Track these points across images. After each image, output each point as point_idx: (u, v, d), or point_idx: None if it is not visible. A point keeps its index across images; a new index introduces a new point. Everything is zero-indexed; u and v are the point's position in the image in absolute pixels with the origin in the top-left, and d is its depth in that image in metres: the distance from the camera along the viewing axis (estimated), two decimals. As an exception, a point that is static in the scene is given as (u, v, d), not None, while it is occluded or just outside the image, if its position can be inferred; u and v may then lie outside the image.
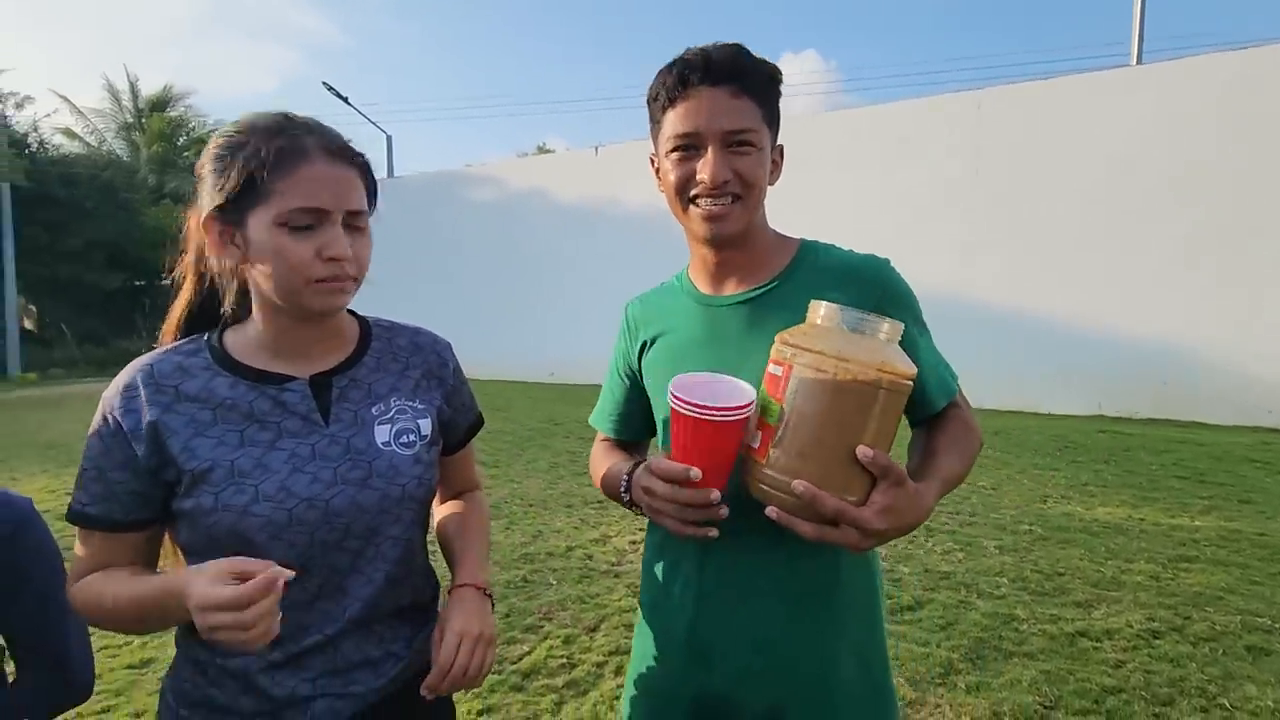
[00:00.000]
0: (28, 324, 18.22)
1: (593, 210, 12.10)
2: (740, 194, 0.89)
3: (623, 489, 0.96)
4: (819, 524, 0.76)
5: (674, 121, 0.89)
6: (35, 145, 17.87)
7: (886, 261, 0.96)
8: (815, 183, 9.44)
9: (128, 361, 0.89)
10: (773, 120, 0.92)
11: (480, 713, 2.36)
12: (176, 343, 0.90)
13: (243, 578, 0.69)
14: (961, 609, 3.09)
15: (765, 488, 0.78)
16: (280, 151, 0.80)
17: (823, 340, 0.75)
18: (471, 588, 0.92)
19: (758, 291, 0.95)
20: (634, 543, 4.02)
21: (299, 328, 0.88)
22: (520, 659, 2.71)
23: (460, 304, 13.01)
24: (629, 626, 2.97)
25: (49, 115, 22.26)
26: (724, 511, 0.80)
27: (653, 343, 1.04)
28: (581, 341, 10.73)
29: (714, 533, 0.82)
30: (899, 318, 0.88)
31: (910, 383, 0.76)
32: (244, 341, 0.89)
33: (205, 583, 0.69)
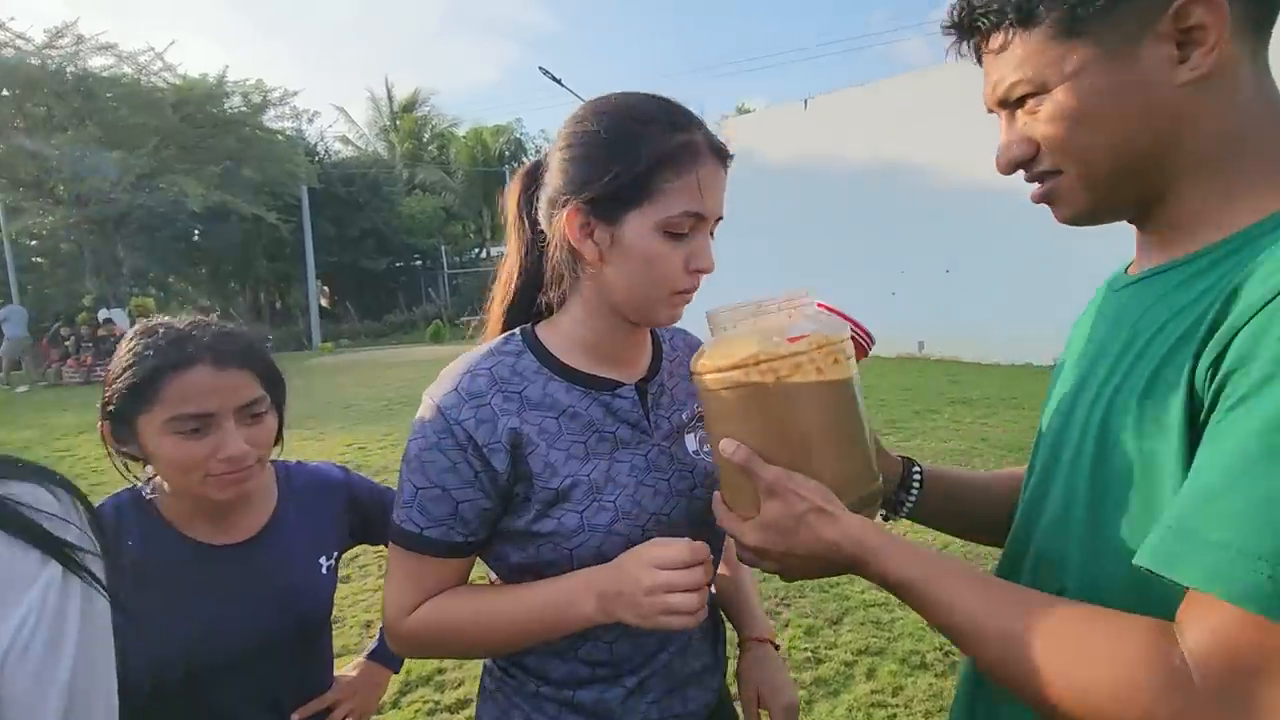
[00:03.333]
0: (322, 302, 22.10)
1: (805, 167, 11.42)
2: (1049, 168, 0.62)
3: None
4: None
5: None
6: (322, 152, 21.43)
7: None
8: None
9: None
10: (1088, 24, 0.56)
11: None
12: (493, 343, 0.81)
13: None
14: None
15: None
16: (680, 148, 0.72)
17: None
18: (769, 643, 0.97)
19: (1165, 267, 0.61)
20: (871, 526, 3.65)
21: (619, 333, 0.81)
22: (759, 646, 2.54)
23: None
24: (876, 623, 2.68)
25: (330, 125, 26.57)
26: None
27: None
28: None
29: None
30: None
31: (768, 363, 0.65)
32: (560, 340, 0.81)
33: (648, 549, 0.69)
